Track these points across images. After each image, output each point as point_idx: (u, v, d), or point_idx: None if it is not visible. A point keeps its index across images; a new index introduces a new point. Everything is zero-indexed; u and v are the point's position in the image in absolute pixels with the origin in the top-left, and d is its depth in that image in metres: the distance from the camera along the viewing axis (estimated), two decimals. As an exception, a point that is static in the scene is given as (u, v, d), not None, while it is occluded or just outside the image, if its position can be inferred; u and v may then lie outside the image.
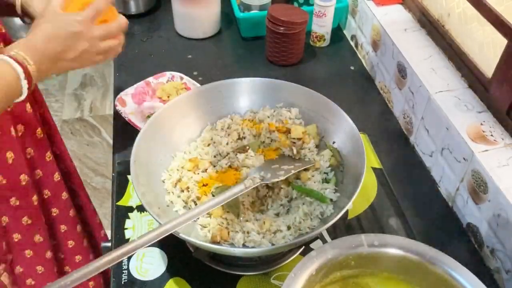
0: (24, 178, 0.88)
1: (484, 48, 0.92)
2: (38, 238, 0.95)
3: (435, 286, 0.63)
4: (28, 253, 0.95)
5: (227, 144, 0.87)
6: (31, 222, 0.92)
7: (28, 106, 0.88)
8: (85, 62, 0.74)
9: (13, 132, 0.84)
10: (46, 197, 0.97)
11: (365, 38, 1.24)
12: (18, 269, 0.96)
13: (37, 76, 0.67)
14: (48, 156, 0.95)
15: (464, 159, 0.86)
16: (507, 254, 0.78)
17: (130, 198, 0.91)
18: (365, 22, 1.23)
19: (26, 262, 0.96)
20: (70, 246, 1.07)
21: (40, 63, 0.67)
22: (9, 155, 0.83)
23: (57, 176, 0.98)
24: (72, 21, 0.70)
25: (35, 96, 0.94)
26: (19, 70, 0.64)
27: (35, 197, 0.92)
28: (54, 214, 1.01)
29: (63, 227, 1.03)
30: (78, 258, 1.10)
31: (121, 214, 0.88)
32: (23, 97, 0.67)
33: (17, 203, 0.89)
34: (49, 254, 0.99)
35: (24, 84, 0.65)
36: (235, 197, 0.73)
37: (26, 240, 0.93)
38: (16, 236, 0.92)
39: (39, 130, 0.92)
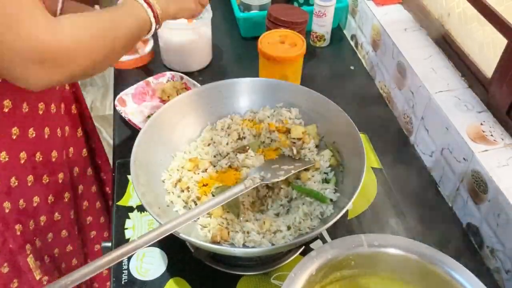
0: (54, 155, 0.89)
1: (484, 48, 0.92)
2: (56, 216, 0.97)
3: (435, 286, 0.63)
4: (50, 236, 0.97)
5: (227, 144, 0.87)
6: (54, 199, 0.93)
7: (67, 86, 0.94)
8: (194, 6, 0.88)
9: (53, 109, 0.87)
10: (75, 174, 1.01)
11: (365, 38, 1.24)
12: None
13: (164, 17, 0.80)
14: (79, 132, 1.01)
15: (464, 159, 0.86)
16: (507, 254, 0.78)
17: (130, 198, 0.91)
18: (365, 22, 1.23)
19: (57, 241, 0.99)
20: (88, 223, 1.11)
21: (166, 6, 0.80)
22: (46, 130, 0.86)
23: (85, 152, 1.03)
24: None
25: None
26: (150, 13, 0.77)
27: (61, 175, 0.94)
28: (80, 192, 1.04)
29: (85, 204, 1.08)
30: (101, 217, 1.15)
31: (121, 214, 0.88)
32: (149, 35, 0.80)
33: (47, 180, 0.90)
34: (73, 232, 1.03)
35: (153, 24, 0.78)
36: (235, 197, 0.73)
37: (49, 220, 0.95)
38: (42, 219, 0.93)
39: (73, 107, 0.98)
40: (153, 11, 0.77)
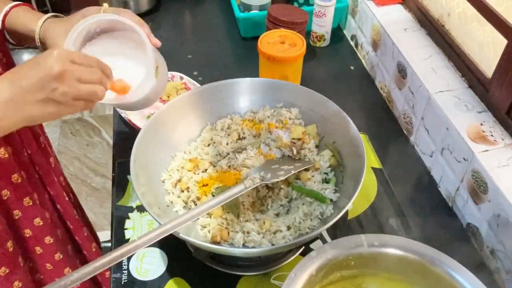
0: None
1: (484, 48, 0.92)
2: (17, 284, 0.89)
3: (435, 286, 0.63)
4: None
5: (227, 144, 0.87)
6: (8, 271, 0.86)
7: (2, 151, 0.79)
8: (60, 108, 0.61)
9: None
10: (27, 236, 0.91)
11: (365, 38, 1.24)
12: None
13: None
14: (27, 200, 0.87)
15: (464, 159, 0.86)
16: (507, 254, 0.78)
17: (130, 198, 0.91)
18: (365, 22, 1.23)
19: None
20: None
21: None
22: None
23: (38, 221, 0.90)
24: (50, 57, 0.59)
25: (21, 138, 0.86)
26: None
27: (9, 243, 0.85)
28: (39, 252, 0.94)
29: (48, 265, 0.97)
30: None
31: (121, 214, 0.88)
32: None
33: None
34: None
35: None
36: (235, 197, 0.73)
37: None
38: None
39: (15, 175, 0.83)
40: None
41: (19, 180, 0.85)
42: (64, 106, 0.61)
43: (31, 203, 0.89)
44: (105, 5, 0.81)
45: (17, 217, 0.89)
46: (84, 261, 1.10)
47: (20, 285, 0.90)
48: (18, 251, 0.90)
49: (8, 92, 0.58)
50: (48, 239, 0.94)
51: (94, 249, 1.10)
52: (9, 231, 0.87)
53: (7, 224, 0.86)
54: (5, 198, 0.85)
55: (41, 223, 0.92)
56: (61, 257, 0.98)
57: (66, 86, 0.59)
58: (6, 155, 0.81)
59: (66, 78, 0.59)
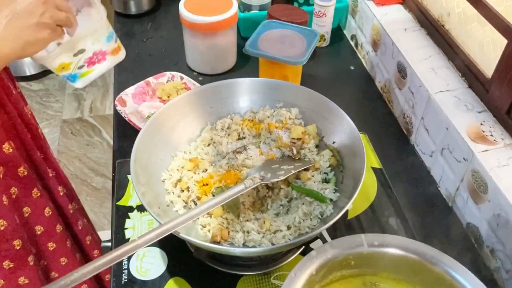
0: (2, 223, 0.83)
1: (484, 48, 0.92)
2: (23, 280, 0.91)
3: (435, 286, 0.63)
4: None
5: (227, 144, 0.87)
6: (13, 265, 0.88)
7: (6, 146, 0.83)
8: (48, 33, 0.69)
9: None
10: (39, 233, 0.93)
11: (365, 38, 1.24)
12: None
13: None
14: (35, 192, 0.90)
15: (464, 159, 0.86)
16: (507, 254, 0.78)
17: (130, 198, 0.91)
18: (365, 22, 1.23)
19: None
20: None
21: None
22: None
23: (47, 211, 0.94)
24: None
25: (18, 132, 0.90)
26: None
27: (17, 242, 0.87)
28: (51, 249, 0.97)
29: (63, 260, 1.00)
30: (84, 287, 1.08)
31: (121, 214, 0.88)
32: None
33: None
34: None
35: None
36: (235, 197, 0.73)
37: (9, 284, 0.90)
38: (0, 283, 0.88)
39: (21, 168, 0.87)
40: None
41: (25, 173, 0.86)
42: (50, 30, 0.69)
43: (39, 194, 0.91)
44: None
45: (27, 215, 0.90)
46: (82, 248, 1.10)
47: (27, 281, 0.91)
48: (28, 250, 0.91)
49: (4, 19, 0.64)
50: (59, 227, 0.97)
51: (88, 242, 1.11)
52: (19, 230, 0.88)
53: (20, 222, 0.87)
54: (14, 196, 0.86)
55: (51, 213, 0.94)
56: (71, 243, 1.01)
57: (51, 11, 0.68)
58: (11, 150, 0.82)
59: (49, 4, 0.67)
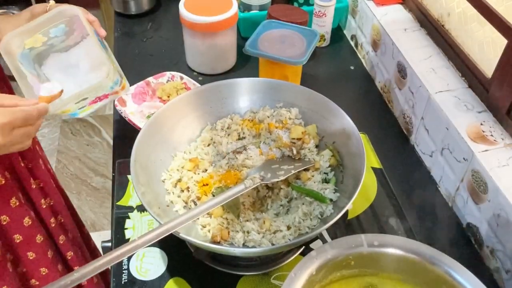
0: None
1: (484, 48, 0.92)
2: None
3: (435, 286, 0.63)
4: None
5: (227, 144, 0.87)
6: None
7: None
8: None
9: None
10: (18, 241, 0.92)
11: (365, 38, 1.24)
12: None
13: None
14: (13, 202, 0.89)
15: (464, 159, 0.86)
16: (507, 254, 0.78)
17: (130, 198, 0.91)
18: (365, 22, 1.23)
19: None
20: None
21: None
22: None
23: (27, 221, 0.92)
24: None
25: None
26: None
27: None
28: (31, 258, 0.95)
29: (43, 270, 0.98)
30: None
31: (121, 214, 0.88)
32: None
33: None
34: None
35: None
36: (235, 197, 0.73)
37: None
38: None
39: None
40: None
41: (3, 181, 0.85)
42: (21, 146, 0.70)
43: (17, 204, 0.89)
44: (51, 1, 0.85)
45: (5, 223, 0.89)
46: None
47: None
48: (6, 257, 0.89)
49: None
50: (39, 238, 0.94)
51: (69, 257, 1.08)
52: None
53: None
54: None
55: (30, 223, 0.92)
56: (52, 254, 0.98)
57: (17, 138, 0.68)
58: None
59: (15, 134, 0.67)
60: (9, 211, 0.88)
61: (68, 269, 1.07)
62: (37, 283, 0.99)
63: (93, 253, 1.22)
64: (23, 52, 0.80)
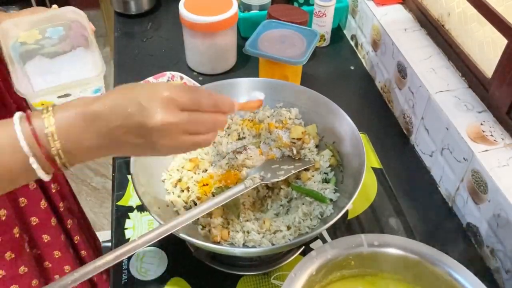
0: (3, 213, 0.84)
1: (484, 48, 0.92)
2: (22, 269, 0.92)
3: (435, 286, 0.63)
4: (14, 287, 0.92)
5: (227, 144, 0.87)
6: (14, 255, 0.89)
7: None
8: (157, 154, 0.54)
9: None
10: (34, 224, 0.94)
11: (365, 38, 1.24)
12: None
13: (74, 159, 0.49)
14: (32, 184, 0.91)
15: (464, 159, 0.86)
16: (507, 254, 0.78)
17: (130, 198, 0.91)
18: (365, 22, 1.23)
19: None
20: (67, 271, 1.05)
21: (79, 139, 0.49)
22: None
23: (43, 203, 0.94)
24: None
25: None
26: (27, 150, 0.46)
27: (16, 230, 0.88)
28: (46, 240, 0.98)
29: (56, 253, 1.01)
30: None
31: (121, 214, 0.88)
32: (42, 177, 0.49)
33: None
34: (34, 282, 0.96)
35: (40, 171, 0.48)
36: (235, 197, 0.73)
37: (10, 274, 0.90)
38: (1, 273, 0.89)
39: None
40: (40, 146, 0.47)
41: None
42: (161, 153, 0.55)
43: (34, 186, 0.91)
44: (54, 6, 0.86)
45: (23, 205, 0.90)
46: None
47: (26, 270, 0.91)
48: (24, 238, 0.91)
49: (104, 128, 0.49)
50: (53, 221, 0.97)
51: (76, 241, 1.11)
52: (15, 218, 0.89)
53: (14, 212, 0.88)
54: None
55: (46, 205, 0.95)
56: (64, 237, 1.02)
57: (168, 140, 0.51)
58: None
59: (169, 132, 0.51)
60: (27, 193, 0.91)
61: (77, 253, 1.10)
62: (50, 265, 1.02)
63: (95, 240, 1.24)
64: (14, 43, 0.79)
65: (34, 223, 0.94)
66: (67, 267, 1.04)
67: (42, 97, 0.76)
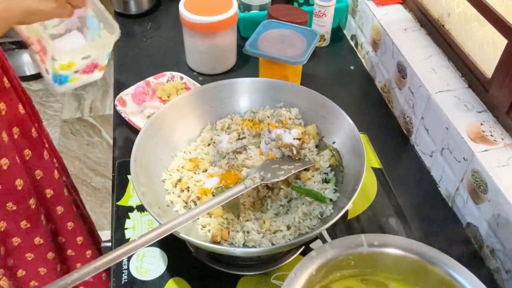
0: (20, 183, 0.87)
1: (484, 48, 0.92)
2: (38, 240, 0.94)
3: (435, 286, 0.63)
4: (29, 256, 0.94)
5: (227, 144, 0.87)
6: (29, 225, 0.92)
7: (20, 107, 0.88)
8: (53, 5, 0.69)
9: (5, 138, 0.83)
10: (49, 196, 0.97)
11: (365, 38, 1.24)
12: (21, 272, 0.96)
13: None
14: (46, 154, 0.95)
15: (464, 159, 0.86)
16: (507, 254, 0.78)
17: (130, 198, 0.91)
18: (365, 22, 1.23)
19: (28, 265, 0.96)
20: (79, 243, 1.07)
21: None
22: (4, 161, 0.83)
23: (56, 174, 0.98)
24: None
25: (26, 97, 0.95)
26: None
27: (32, 201, 0.91)
28: (60, 212, 1.00)
29: (70, 224, 1.03)
30: (88, 253, 1.11)
31: (121, 214, 0.88)
32: None
33: (14, 208, 0.88)
34: (50, 255, 0.99)
35: None
36: (235, 197, 0.73)
37: (26, 243, 0.93)
38: (16, 240, 0.91)
39: (33, 130, 0.91)
40: None
41: (36, 134, 0.89)
42: (57, 4, 0.69)
43: (48, 156, 0.94)
44: None
45: (39, 177, 0.93)
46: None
47: (42, 241, 0.94)
48: (40, 211, 0.94)
49: None
50: (66, 192, 1.00)
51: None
52: (32, 190, 0.91)
53: (32, 184, 0.91)
54: (28, 158, 0.90)
55: (58, 175, 0.98)
56: (76, 209, 1.05)
57: None
58: (23, 111, 0.87)
59: None
60: (42, 164, 0.93)
61: (87, 225, 1.15)
62: (63, 240, 1.04)
63: (91, 225, 1.26)
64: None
65: (49, 196, 0.97)
66: (79, 238, 1.07)
67: (70, 57, 0.81)
